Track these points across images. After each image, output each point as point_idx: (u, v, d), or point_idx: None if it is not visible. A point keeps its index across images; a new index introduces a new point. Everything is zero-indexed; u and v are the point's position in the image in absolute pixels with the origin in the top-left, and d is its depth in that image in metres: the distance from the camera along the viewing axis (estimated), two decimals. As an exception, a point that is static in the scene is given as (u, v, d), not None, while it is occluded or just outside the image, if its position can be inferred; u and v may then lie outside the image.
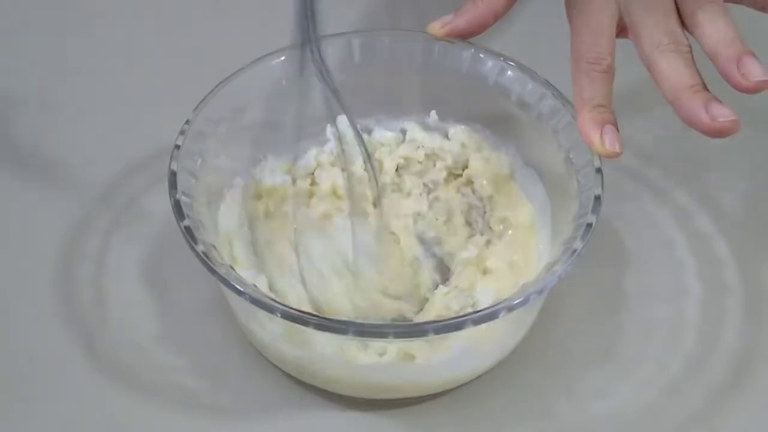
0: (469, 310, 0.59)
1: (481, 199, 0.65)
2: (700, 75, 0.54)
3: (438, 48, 0.65)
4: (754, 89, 0.53)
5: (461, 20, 0.63)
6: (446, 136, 0.67)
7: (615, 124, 0.56)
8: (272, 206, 0.64)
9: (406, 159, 0.65)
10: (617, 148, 0.55)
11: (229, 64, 0.64)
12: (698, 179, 0.70)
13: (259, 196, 0.65)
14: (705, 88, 0.54)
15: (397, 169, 0.65)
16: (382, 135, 0.67)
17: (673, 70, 0.54)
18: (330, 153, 0.66)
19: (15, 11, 0.81)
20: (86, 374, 0.61)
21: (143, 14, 0.81)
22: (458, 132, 0.66)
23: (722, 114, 0.53)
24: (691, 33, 0.56)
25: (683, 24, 0.56)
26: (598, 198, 0.57)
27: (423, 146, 0.66)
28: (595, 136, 0.55)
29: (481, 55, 0.64)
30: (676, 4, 0.57)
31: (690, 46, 0.55)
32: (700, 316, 0.64)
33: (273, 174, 0.65)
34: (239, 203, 0.64)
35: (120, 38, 0.79)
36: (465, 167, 0.66)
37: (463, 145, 0.66)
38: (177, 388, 0.60)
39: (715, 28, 0.55)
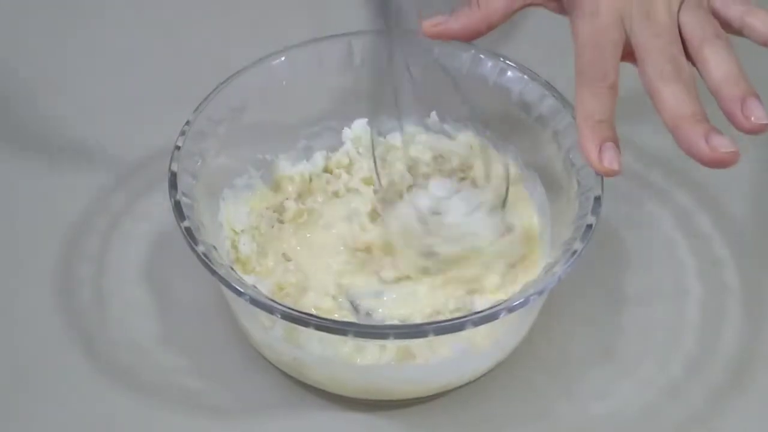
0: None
1: None
2: (700, 105, 0.54)
3: (438, 48, 0.65)
4: (757, 131, 0.53)
5: (455, 23, 0.63)
6: (451, 137, 0.67)
7: (615, 141, 0.55)
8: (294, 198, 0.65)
9: (414, 160, 0.65)
10: (615, 167, 0.54)
11: (229, 64, 0.64)
12: (698, 179, 0.70)
13: (276, 187, 0.65)
14: (705, 118, 0.53)
15: (409, 170, 0.65)
16: (394, 137, 0.67)
17: (675, 99, 0.54)
18: (344, 154, 0.67)
19: (15, 11, 0.81)
20: (86, 374, 0.61)
21: (143, 14, 0.81)
22: (467, 136, 0.66)
23: (722, 145, 0.52)
24: (695, 66, 0.56)
25: (688, 56, 0.56)
26: (598, 199, 0.57)
27: (431, 148, 0.66)
28: (593, 153, 0.55)
29: (481, 56, 0.64)
30: (681, 33, 0.57)
31: (693, 75, 0.55)
32: (700, 316, 0.64)
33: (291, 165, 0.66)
34: (248, 198, 0.64)
35: (120, 38, 0.79)
36: (470, 167, 0.66)
37: (470, 147, 0.66)
38: (177, 388, 0.60)
39: (720, 65, 0.55)
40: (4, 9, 0.81)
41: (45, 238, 0.66)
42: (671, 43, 0.56)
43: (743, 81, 0.54)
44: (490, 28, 0.62)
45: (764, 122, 0.53)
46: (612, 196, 0.59)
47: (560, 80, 0.61)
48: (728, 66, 0.54)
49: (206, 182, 0.60)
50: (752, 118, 0.53)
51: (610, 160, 0.54)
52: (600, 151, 0.54)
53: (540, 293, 0.54)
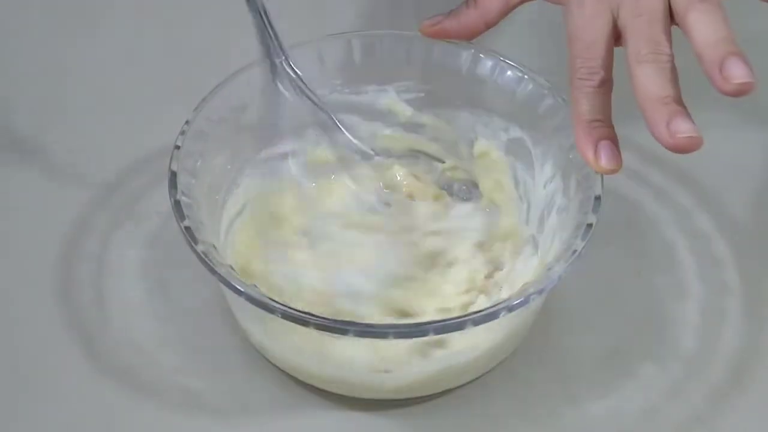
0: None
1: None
2: (675, 87, 0.53)
3: (438, 48, 0.65)
4: (735, 92, 0.51)
5: (452, 22, 0.63)
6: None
7: (612, 139, 0.54)
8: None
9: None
10: (613, 165, 0.54)
11: (229, 64, 0.64)
12: (698, 179, 0.70)
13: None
14: (676, 101, 0.52)
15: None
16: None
17: (647, 81, 0.53)
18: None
19: (15, 11, 0.81)
20: (86, 374, 0.61)
21: (143, 14, 0.81)
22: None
23: (682, 130, 0.51)
24: (683, 33, 0.56)
25: (677, 24, 0.56)
26: (598, 198, 0.57)
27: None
28: (589, 152, 0.54)
29: (480, 55, 0.64)
30: (670, 4, 0.56)
31: (671, 56, 0.54)
32: (700, 316, 0.64)
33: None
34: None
35: (120, 38, 0.79)
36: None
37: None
38: (177, 388, 0.60)
39: (702, 29, 0.53)
40: (4, 8, 0.81)
41: (45, 238, 0.66)
42: (651, 23, 0.54)
43: (725, 42, 0.52)
44: (488, 26, 0.62)
45: (744, 81, 0.51)
46: (612, 195, 0.59)
47: (559, 79, 0.61)
48: (710, 30, 0.53)
49: (206, 182, 0.60)
50: (731, 79, 0.51)
51: (607, 159, 0.54)
52: (596, 150, 0.54)
53: (540, 293, 0.54)
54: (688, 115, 0.52)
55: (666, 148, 0.52)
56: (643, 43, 0.54)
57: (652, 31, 0.54)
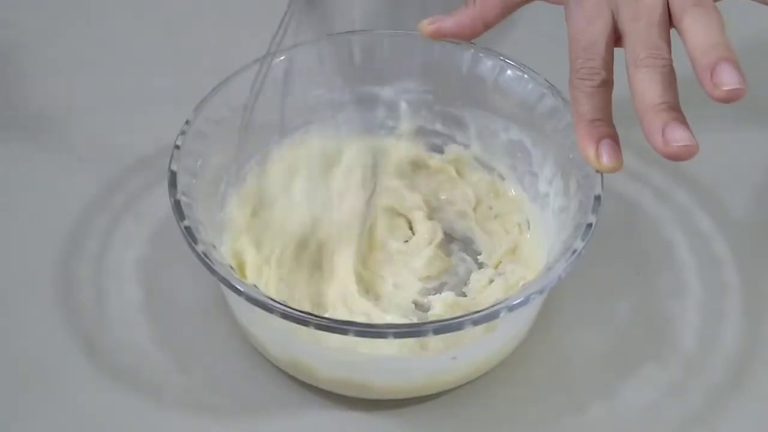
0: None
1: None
2: (672, 93, 0.52)
3: (438, 48, 0.65)
4: (725, 99, 0.50)
5: (451, 22, 0.63)
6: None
7: (613, 137, 0.54)
8: None
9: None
10: (614, 163, 0.54)
11: (229, 64, 0.64)
12: (698, 179, 0.70)
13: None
14: (672, 107, 0.52)
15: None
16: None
17: (644, 86, 0.52)
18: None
19: (16, 10, 0.81)
20: (86, 374, 0.61)
21: (143, 14, 0.81)
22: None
23: (676, 138, 0.51)
24: (679, 36, 0.55)
25: (674, 27, 0.55)
26: (598, 198, 0.57)
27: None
28: (590, 151, 0.54)
29: (480, 55, 0.64)
30: (668, 7, 0.56)
31: (669, 60, 0.53)
32: (700, 316, 0.64)
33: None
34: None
35: (120, 38, 0.79)
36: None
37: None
38: (177, 388, 0.60)
39: (696, 34, 0.52)
40: (5, 9, 0.81)
41: (45, 238, 0.66)
42: (650, 26, 0.54)
43: (718, 48, 0.51)
44: (487, 26, 0.62)
45: (734, 87, 0.50)
46: (612, 195, 0.59)
47: (559, 79, 0.61)
48: (704, 34, 0.52)
49: (206, 182, 0.60)
50: (721, 86, 0.50)
51: (608, 157, 0.54)
52: (597, 149, 0.54)
53: (540, 292, 0.54)
54: (685, 122, 0.51)
55: (661, 155, 0.52)
56: (641, 47, 0.54)
57: (650, 35, 0.54)
